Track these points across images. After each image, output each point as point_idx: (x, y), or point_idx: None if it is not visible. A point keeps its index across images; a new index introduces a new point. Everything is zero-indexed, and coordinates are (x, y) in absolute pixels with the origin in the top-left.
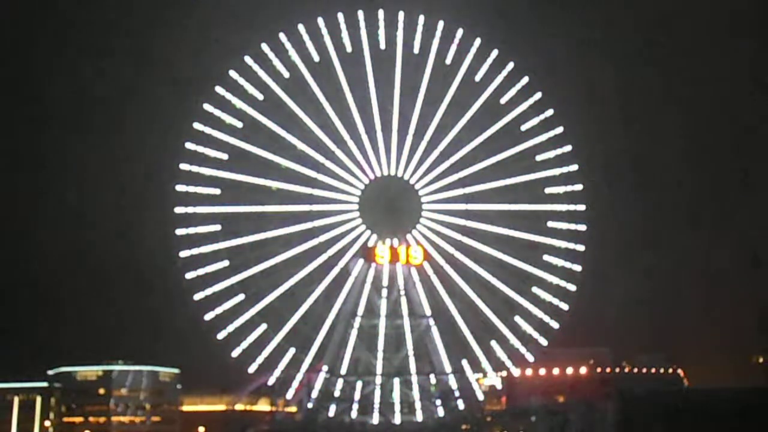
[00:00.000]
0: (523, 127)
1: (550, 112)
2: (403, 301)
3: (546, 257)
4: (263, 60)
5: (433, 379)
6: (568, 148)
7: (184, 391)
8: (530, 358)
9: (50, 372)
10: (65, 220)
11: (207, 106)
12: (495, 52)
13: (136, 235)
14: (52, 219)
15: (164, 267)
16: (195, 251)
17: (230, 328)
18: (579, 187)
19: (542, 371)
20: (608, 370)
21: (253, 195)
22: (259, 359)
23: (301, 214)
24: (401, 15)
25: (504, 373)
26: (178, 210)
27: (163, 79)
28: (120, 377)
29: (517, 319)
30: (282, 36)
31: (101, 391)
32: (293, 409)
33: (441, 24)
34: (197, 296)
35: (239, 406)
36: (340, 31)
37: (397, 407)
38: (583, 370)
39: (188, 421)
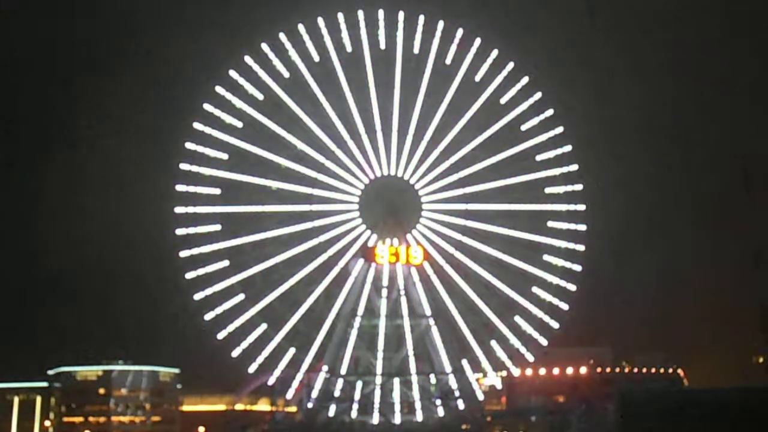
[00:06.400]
0: (523, 127)
1: (550, 112)
2: (403, 301)
3: (546, 257)
4: (263, 60)
5: (433, 379)
6: (568, 148)
7: (184, 391)
8: (530, 358)
9: (50, 372)
10: (65, 219)
11: (207, 106)
12: (495, 52)
13: (136, 234)
14: (51, 219)
15: (164, 267)
16: (195, 251)
17: (230, 328)
18: (579, 187)
19: (542, 371)
20: (608, 370)
21: (253, 195)
22: (259, 359)
23: (301, 214)
24: (401, 15)
25: (504, 373)
26: (178, 210)
27: (163, 79)
28: (120, 377)
29: (517, 319)
30: (282, 36)
31: (101, 391)
32: (293, 409)
33: (441, 24)
34: (197, 296)
35: (239, 406)
36: (340, 31)
37: (397, 407)
38: (583, 370)
39: (188, 421)
